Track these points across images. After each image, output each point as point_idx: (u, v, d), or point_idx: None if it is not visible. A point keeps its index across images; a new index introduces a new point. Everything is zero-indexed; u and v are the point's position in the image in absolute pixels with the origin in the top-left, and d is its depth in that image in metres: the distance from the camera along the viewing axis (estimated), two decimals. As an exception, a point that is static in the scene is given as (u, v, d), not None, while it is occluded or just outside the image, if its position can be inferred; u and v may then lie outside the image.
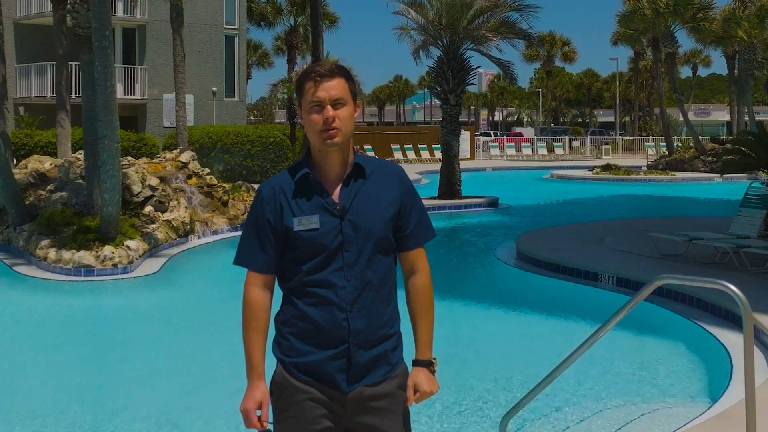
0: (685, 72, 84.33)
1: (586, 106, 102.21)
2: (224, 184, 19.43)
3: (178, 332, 10.30)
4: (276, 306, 3.14)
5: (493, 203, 24.52)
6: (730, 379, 7.27)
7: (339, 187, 3.07)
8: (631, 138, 59.81)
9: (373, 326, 3.07)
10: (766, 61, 44.67)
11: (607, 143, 55.44)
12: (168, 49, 34.21)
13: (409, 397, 3.12)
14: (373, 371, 3.08)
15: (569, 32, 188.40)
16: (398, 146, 47.87)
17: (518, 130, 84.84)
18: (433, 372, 3.17)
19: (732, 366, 7.63)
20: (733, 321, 9.06)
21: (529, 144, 56.02)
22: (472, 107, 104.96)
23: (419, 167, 41.33)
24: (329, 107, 3.02)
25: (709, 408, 6.51)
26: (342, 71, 3.12)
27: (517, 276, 13.18)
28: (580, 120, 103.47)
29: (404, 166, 39.04)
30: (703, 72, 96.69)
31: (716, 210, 16.19)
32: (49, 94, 33.12)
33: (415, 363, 3.17)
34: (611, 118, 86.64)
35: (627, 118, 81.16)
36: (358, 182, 3.10)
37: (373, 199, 3.09)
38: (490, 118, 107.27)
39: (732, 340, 8.47)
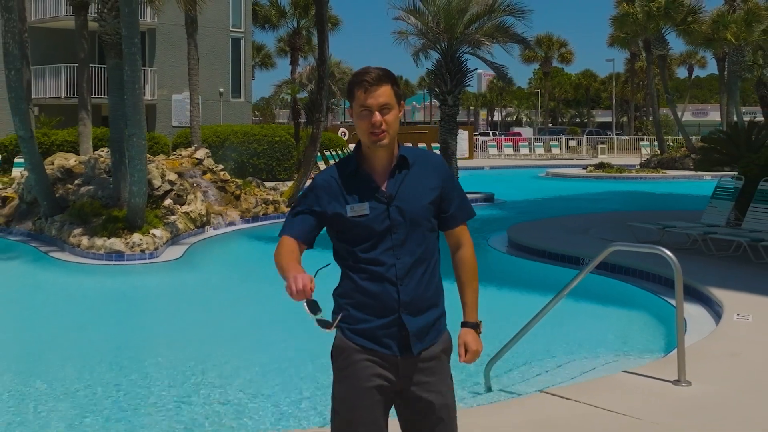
0: (682, 73, 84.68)
1: (584, 106, 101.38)
2: (237, 180, 20.42)
3: (202, 307, 11.56)
4: (334, 283, 3.39)
5: (488, 198, 25.26)
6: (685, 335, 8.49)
7: (386, 177, 3.31)
8: (626, 138, 60.37)
9: (421, 298, 3.28)
10: (756, 63, 45.24)
11: (602, 143, 55.93)
12: (176, 51, 35.11)
13: (460, 355, 3.37)
14: (421, 337, 3.28)
15: (568, 33, 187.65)
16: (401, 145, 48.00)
17: (517, 130, 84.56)
18: (479, 333, 3.42)
19: (687, 326, 8.79)
20: (693, 295, 10.27)
21: (527, 143, 56.38)
22: (471, 107, 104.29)
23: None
24: (377, 113, 3.23)
25: (661, 357, 7.76)
26: (388, 78, 3.31)
27: (508, 261, 14.21)
28: (578, 120, 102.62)
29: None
30: (701, 73, 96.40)
31: (698, 204, 17.13)
32: (63, 95, 34.15)
33: (464, 324, 3.41)
34: (609, 119, 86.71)
35: (624, 118, 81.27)
36: (403, 172, 3.33)
37: (416, 187, 3.32)
38: (490, 118, 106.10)
39: (689, 310, 9.66)
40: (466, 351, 3.36)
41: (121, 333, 9.95)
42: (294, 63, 48.31)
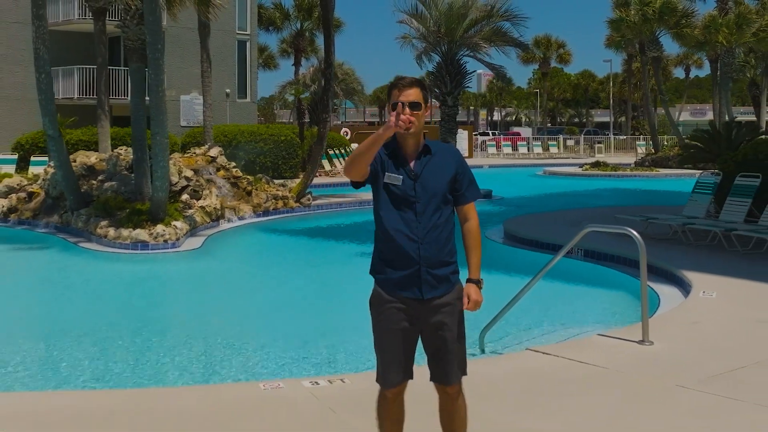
0: (680, 73, 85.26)
1: (583, 106, 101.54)
2: (248, 176, 21.39)
3: (222, 290, 12.83)
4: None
5: (487, 195, 25.82)
6: (657, 310, 9.67)
7: (414, 159, 4.22)
8: (624, 137, 61.20)
9: (437, 255, 4.17)
10: (748, 64, 46.07)
11: (600, 142, 56.67)
12: (183, 52, 36.00)
13: (464, 303, 4.26)
14: (438, 287, 4.18)
15: (566, 34, 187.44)
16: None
17: (516, 129, 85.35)
18: (480, 287, 4.31)
19: (660, 302, 10.02)
20: (668, 278, 11.44)
21: (525, 143, 57.10)
22: (471, 107, 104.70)
23: (419, 164, 42.41)
24: (407, 108, 4.11)
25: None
26: (419, 83, 4.20)
27: (503, 250, 15.24)
28: (577, 120, 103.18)
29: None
30: (701, 73, 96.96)
31: (684, 200, 18.18)
32: (77, 96, 35.17)
33: (468, 281, 4.31)
34: (607, 119, 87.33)
35: (623, 118, 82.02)
36: (427, 157, 4.23)
37: (437, 169, 4.22)
38: (489, 117, 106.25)
39: (664, 290, 10.83)
40: (469, 300, 4.27)
41: (153, 309, 11.28)
42: (297, 64, 48.65)
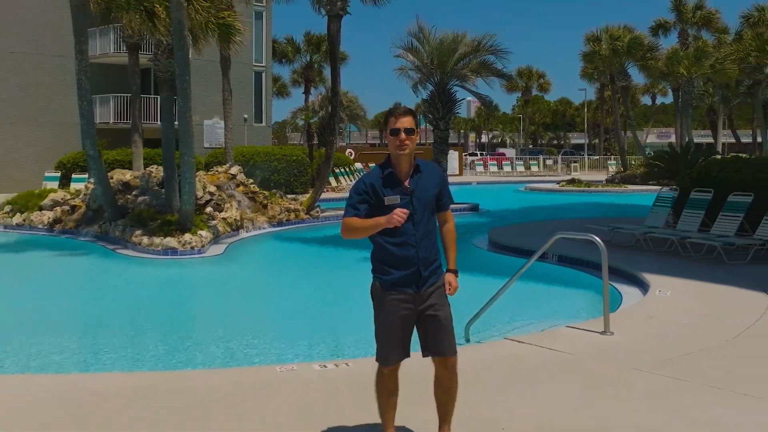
0: (646, 100, 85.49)
1: (561, 129, 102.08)
2: (264, 192, 21.70)
3: (245, 290, 13.10)
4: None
5: (474, 208, 26.36)
6: (619, 306, 9.92)
7: (407, 177, 4.48)
8: (596, 157, 61.41)
9: (429, 255, 4.51)
10: (706, 92, 46.29)
11: (575, 161, 56.95)
12: (206, 81, 36.06)
13: (447, 289, 4.61)
14: (430, 279, 4.52)
15: (546, 65, 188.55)
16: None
17: (501, 150, 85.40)
18: (456, 276, 4.67)
19: (621, 299, 10.25)
20: (630, 280, 11.69)
21: (509, 162, 57.15)
22: (461, 131, 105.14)
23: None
24: (402, 133, 4.41)
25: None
26: (411, 112, 4.49)
27: (488, 256, 15.52)
28: (555, 142, 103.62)
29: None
30: (666, 100, 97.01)
31: (647, 212, 18.47)
32: (112, 121, 35.50)
33: (448, 270, 4.67)
34: (583, 141, 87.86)
35: (596, 140, 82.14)
36: (418, 175, 4.52)
37: (426, 184, 4.52)
38: (478, 140, 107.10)
39: (627, 290, 11.04)
40: (450, 287, 4.62)
41: (183, 306, 11.60)
42: (307, 92, 49.29)
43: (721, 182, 14.46)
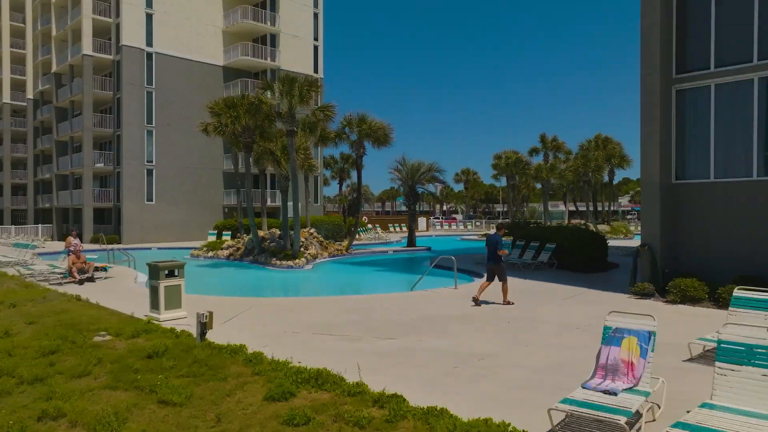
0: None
1: (492, 202, 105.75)
2: (324, 240, 25.88)
3: (322, 283, 17.25)
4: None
5: (428, 248, 29.84)
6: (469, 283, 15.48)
7: None
8: (508, 219, 65.50)
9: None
10: (562, 185, 51.36)
11: (493, 223, 59.47)
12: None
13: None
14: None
15: (478, 165, 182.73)
16: (393, 224, 50.28)
17: (454, 216, 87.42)
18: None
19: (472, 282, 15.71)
20: (478, 275, 17.07)
21: (456, 223, 59.71)
22: (429, 204, 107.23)
23: (401, 234, 44.71)
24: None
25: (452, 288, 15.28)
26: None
27: (433, 272, 17.30)
28: (488, 210, 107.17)
29: (394, 233, 42.68)
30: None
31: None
32: (233, 203, 39.36)
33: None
34: (504, 209, 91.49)
35: (514, 208, 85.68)
36: None
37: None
38: (441, 209, 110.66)
39: (477, 280, 16.42)
40: None
41: (299, 290, 16.08)
42: (341, 184, 54.24)
43: (526, 235, 20.09)
